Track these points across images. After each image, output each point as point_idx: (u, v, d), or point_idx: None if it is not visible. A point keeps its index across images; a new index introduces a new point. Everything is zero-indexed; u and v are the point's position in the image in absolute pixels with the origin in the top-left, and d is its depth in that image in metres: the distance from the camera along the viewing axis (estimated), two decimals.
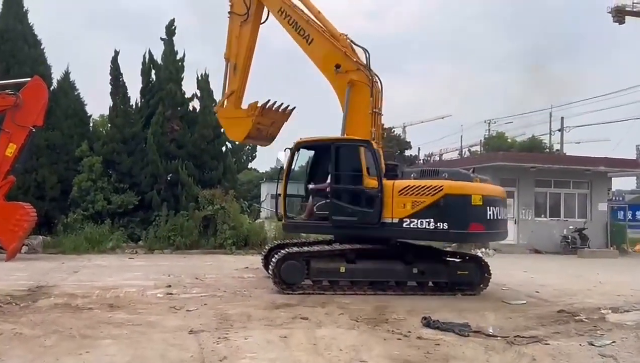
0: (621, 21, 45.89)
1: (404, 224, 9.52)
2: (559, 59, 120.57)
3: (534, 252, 21.42)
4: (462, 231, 9.54)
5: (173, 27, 20.26)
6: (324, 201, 10.33)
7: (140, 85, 20.18)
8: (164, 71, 19.82)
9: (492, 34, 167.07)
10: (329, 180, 10.45)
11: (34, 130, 14.21)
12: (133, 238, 18.11)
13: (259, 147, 23.06)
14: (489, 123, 54.50)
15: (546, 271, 14.71)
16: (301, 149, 10.87)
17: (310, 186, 10.84)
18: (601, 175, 23.58)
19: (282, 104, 11.86)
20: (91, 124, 20.49)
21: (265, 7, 11.65)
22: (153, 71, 20.17)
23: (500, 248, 19.09)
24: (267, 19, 11.77)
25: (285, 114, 12.04)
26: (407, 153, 46.26)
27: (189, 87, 21.91)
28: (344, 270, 9.71)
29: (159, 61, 20.12)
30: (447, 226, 9.37)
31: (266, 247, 12.58)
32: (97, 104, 45.69)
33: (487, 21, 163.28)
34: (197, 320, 7.33)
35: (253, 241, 17.94)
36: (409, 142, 49.44)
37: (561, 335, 7.06)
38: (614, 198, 26.34)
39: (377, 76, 10.87)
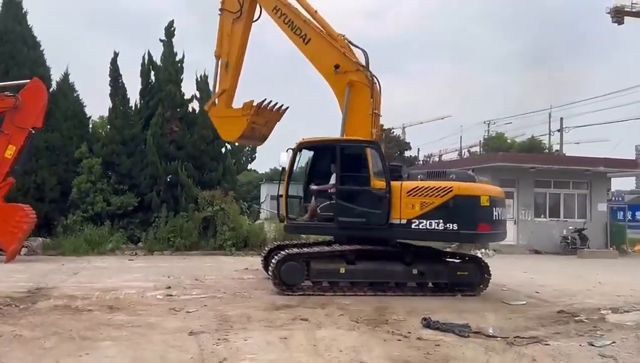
0: (620, 22, 46.01)
1: (413, 225, 9.61)
2: (558, 60, 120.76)
3: (534, 253, 21.42)
4: (472, 232, 9.67)
5: (172, 28, 20.27)
6: (328, 203, 10.28)
7: (140, 86, 20.18)
8: (164, 72, 19.82)
9: (492, 35, 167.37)
10: (332, 181, 10.43)
11: (33, 132, 14.21)
12: (133, 240, 18.09)
13: (258, 148, 23.14)
14: (489, 124, 54.60)
15: (546, 272, 14.71)
16: (302, 150, 10.82)
17: (313, 187, 10.78)
18: (601, 175, 23.59)
19: (276, 103, 11.70)
20: (90, 126, 20.50)
21: (258, 4, 11.48)
22: (152, 72, 20.16)
23: (500, 248, 19.10)
24: (259, 16, 11.61)
25: (279, 113, 11.87)
26: (407, 153, 46.34)
27: (189, 88, 21.95)
28: (343, 271, 9.71)
29: (159, 62, 20.12)
30: (456, 227, 9.49)
31: (266, 248, 12.54)
32: (97, 105, 45.65)
33: (487, 22, 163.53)
34: (197, 321, 7.32)
35: (253, 243, 17.93)
36: (409, 143, 49.57)
37: (561, 336, 7.06)
38: (613, 199, 26.34)
39: (376, 77, 10.82)
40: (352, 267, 9.76)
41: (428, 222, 9.53)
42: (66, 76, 19.60)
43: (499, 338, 6.74)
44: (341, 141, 10.29)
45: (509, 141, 48.42)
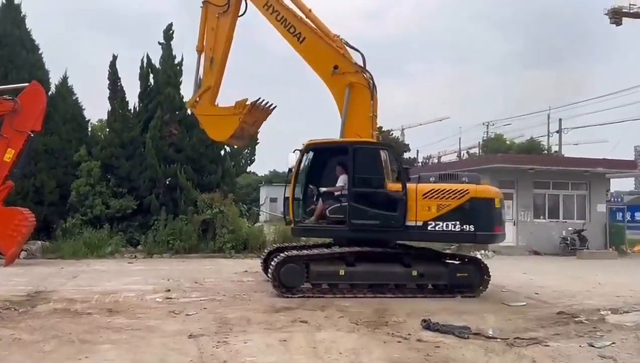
0: (618, 23, 46.13)
1: (429, 227, 9.73)
2: (557, 61, 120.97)
3: (533, 254, 21.43)
4: (488, 233, 10.00)
5: (171, 31, 20.29)
6: (338, 205, 10.23)
7: (139, 89, 20.19)
8: (162, 75, 19.84)
9: (492, 35, 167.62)
10: (339, 183, 10.42)
11: (32, 135, 14.18)
12: (132, 243, 18.07)
13: (257, 149, 23.12)
14: (488, 125, 54.68)
15: (545, 273, 14.72)
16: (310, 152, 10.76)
17: (323, 189, 10.69)
18: (600, 176, 23.62)
19: (267, 102, 11.29)
20: (89, 129, 20.49)
21: (247, 0, 11.07)
22: (151, 75, 20.18)
23: (499, 249, 19.11)
24: (245, 11, 11.16)
25: (267, 112, 11.48)
26: (406, 155, 46.34)
27: (187, 91, 21.87)
28: (343, 273, 9.70)
29: (157, 65, 20.13)
30: (473, 229, 9.71)
31: (265, 251, 12.53)
32: (96, 108, 45.75)
33: (486, 22, 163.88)
34: (196, 324, 7.31)
35: (252, 245, 17.92)
36: (407, 144, 49.61)
37: (561, 337, 7.06)
38: (612, 199, 26.34)
39: (373, 79, 10.74)
40: (352, 269, 9.75)
41: (445, 224, 9.70)
42: (65, 79, 19.61)
43: (498, 340, 6.74)
44: (354, 143, 10.16)
45: (507, 142, 48.48)
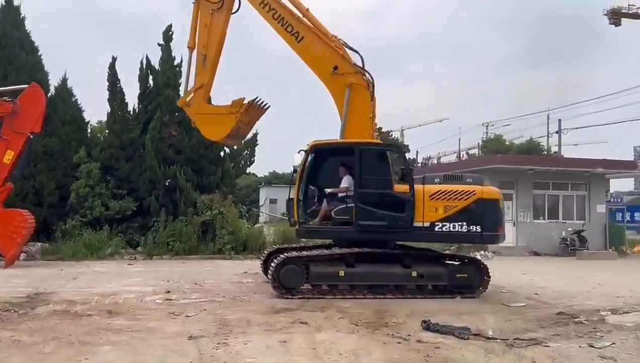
0: (617, 23, 46.18)
1: (436, 228, 9.86)
2: (557, 61, 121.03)
3: (533, 254, 21.42)
4: (494, 234, 10.20)
5: (170, 32, 20.27)
6: (344, 206, 10.21)
7: (138, 91, 20.18)
8: (162, 76, 19.82)
9: (491, 35, 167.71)
10: (343, 184, 10.41)
11: (31, 137, 14.18)
12: (132, 244, 18.05)
13: (257, 150, 23.06)
14: (487, 126, 54.73)
15: (545, 274, 14.72)
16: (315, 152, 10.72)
17: (327, 190, 10.64)
18: (599, 177, 23.62)
19: (262, 101, 11.17)
20: (89, 131, 20.47)
21: None
22: (151, 77, 20.17)
23: (499, 250, 19.10)
24: (239, 8, 10.99)
25: (261, 112, 11.35)
26: (406, 156, 46.30)
27: None
28: (343, 274, 9.69)
29: (157, 67, 20.13)
30: (480, 229, 9.87)
31: (265, 252, 12.52)
32: (95, 110, 45.76)
33: (486, 22, 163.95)
34: (196, 325, 7.31)
35: (252, 246, 17.91)
36: (407, 145, 49.62)
37: (561, 337, 7.06)
38: (612, 200, 26.39)
39: (372, 80, 10.72)
40: (352, 270, 9.74)
41: (452, 225, 9.83)
42: (64, 80, 19.58)
43: (498, 340, 6.74)
44: (361, 144, 10.14)
45: (507, 143, 48.54)
